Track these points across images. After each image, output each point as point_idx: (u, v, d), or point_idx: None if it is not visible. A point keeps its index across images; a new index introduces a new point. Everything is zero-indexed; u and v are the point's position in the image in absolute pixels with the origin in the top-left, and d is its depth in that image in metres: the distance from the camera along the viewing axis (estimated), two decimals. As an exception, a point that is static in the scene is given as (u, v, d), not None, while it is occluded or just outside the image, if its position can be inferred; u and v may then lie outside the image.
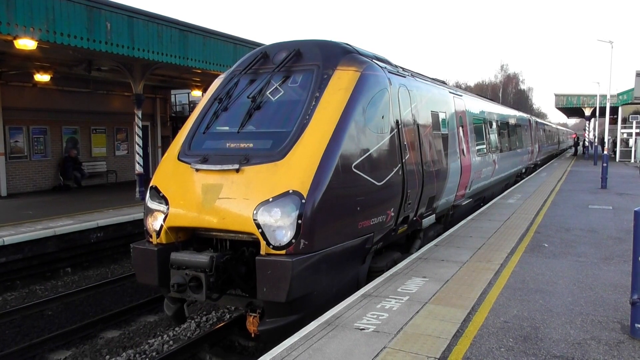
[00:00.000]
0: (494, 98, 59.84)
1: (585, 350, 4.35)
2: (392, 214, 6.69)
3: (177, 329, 7.67)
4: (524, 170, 21.94)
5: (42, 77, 15.61)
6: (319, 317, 5.08)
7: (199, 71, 15.24)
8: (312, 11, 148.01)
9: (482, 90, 76.89)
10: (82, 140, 19.31)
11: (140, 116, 15.45)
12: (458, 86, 71.48)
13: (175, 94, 25.57)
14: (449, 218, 10.26)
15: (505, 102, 63.32)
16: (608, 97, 28.14)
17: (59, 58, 14.24)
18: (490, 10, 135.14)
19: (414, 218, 7.68)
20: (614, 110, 36.66)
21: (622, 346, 4.44)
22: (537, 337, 4.60)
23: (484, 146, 12.62)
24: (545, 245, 8.34)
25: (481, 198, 13.43)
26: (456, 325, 4.83)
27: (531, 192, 15.82)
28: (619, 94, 35.03)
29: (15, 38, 9.82)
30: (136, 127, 15.55)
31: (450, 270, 6.71)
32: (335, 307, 5.38)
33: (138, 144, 15.70)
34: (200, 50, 14.06)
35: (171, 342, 7.24)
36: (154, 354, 6.89)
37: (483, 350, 4.33)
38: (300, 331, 4.76)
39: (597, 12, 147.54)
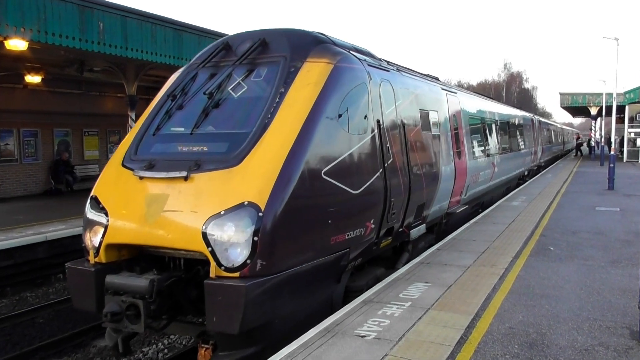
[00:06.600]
0: (497, 97, 59.33)
1: (593, 356, 4.27)
2: (373, 225, 6.02)
3: (172, 336, 7.50)
4: (526, 173, 21.16)
5: (33, 79, 15.39)
6: (319, 324, 4.94)
7: (194, 72, 15.08)
8: (310, 9, 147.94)
9: (485, 90, 76.20)
10: (74, 143, 19.06)
11: (133, 118, 15.29)
12: (460, 85, 71.45)
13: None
14: (443, 227, 9.55)
15: (508, 102, 62.82)
16: (614, 95, 27.71)
17: (50, 59, 14.04)
18: (493, 8, 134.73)
19: (400, 229, 7.02)
20: (621, 109, 35.91)
21: (631, 352, 4.35)
22: (544, 344, 4.51)
23: (482, 148, 12.19)
24: (551, 248, 8.23)
25: (479, 204, 12.94)
26: (460, 332, 4.73)
27: (536, 194, 15.67)
28: (625, 93, 34.05)
29: (5, 38, 9.66)
30: (129, 129, 15.37)
31: (454, 275, 6.60)
32: (335, 313, 5.25)
33: (131, 147, 15.51)
34: (195, 49, 13.83)
35: (166, 351, 7.15)
36: (148, 362, 6.76)
37: (487, 357, 4.25)
38: (299, 339, 4.65)
39: (603, 9, 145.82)
